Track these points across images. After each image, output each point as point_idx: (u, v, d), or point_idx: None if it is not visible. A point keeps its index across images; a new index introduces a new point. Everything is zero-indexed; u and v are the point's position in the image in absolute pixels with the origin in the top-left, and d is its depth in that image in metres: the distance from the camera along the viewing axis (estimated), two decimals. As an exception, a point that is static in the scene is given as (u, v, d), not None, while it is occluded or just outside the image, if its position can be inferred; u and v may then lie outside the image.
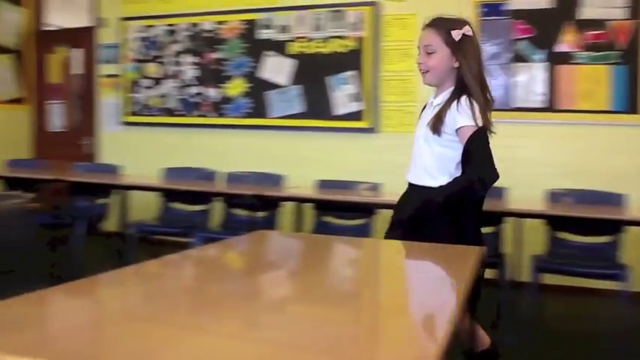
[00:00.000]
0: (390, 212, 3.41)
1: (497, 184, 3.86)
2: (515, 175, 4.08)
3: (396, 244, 2.03)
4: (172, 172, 4.76)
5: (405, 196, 2.33)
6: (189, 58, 5.64)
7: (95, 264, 4.39)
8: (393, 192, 3.83)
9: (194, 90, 5.62)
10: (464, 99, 2.15)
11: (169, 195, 4.50)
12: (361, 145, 5.00)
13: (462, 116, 2.13)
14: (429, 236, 2.04)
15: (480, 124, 2.12)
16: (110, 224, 4.84)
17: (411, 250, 1.97)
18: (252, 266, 1.64)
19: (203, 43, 5.57)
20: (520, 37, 4.47)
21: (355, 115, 4.99)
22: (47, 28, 6.53)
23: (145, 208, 4.74)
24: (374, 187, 4.13)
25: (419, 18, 4.65)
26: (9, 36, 6.22)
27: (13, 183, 4.48)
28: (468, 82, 2.16)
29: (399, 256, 1.90)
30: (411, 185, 2.31)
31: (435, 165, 2.20)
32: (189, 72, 5.64)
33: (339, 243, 1.96)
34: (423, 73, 2.25)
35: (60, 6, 6.51)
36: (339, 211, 4.08)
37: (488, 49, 4.48)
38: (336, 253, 1.88)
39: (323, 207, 4.05)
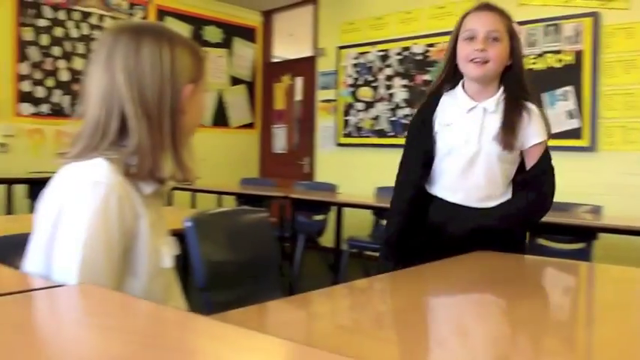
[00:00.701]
0: (611, 237, 3.21)
1: None
2: None
3: (622, 270, 1.93)
4: (383, 191, 4.97)
5: (451, 219, 1.94)
6: (400, 81, 5.86)
7: (313, 276, 4.78)
8: (615, 215, 3.59)
9: (404, 112, 5.82)
10: (535, 108, 1.87)
11: (380, 213, 4.71)
12: (579, 164, 4.72)
13: (539, 130, 1.87)
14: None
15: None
16: (326, 239, 5.21)
17: None
18: (476, 286, 1.69)
19: (413, 65, 5.76)
20: None
21: (572, 133, 4.73)
22: (274, 60, 7.29)
23: (358, 224, 5.02)
24: (594, 210, 3.89)
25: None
26: (244, 69, 7.07)
27: (242, 198, 5.07)
28: (528, 85, 1.88)
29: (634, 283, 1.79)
30: (458, 207, 1.93)
31: (501, 183, 1.91)
32: (400, 94, 5.86)
33: (560, 266, 1.92)
34: (479, 63, 1.84)
35: (285, 39, 7.24)
36: (555, 234, 3.90)
37: None
38: (558, 276, 1.84)
39: (538, 229, 3.92)
